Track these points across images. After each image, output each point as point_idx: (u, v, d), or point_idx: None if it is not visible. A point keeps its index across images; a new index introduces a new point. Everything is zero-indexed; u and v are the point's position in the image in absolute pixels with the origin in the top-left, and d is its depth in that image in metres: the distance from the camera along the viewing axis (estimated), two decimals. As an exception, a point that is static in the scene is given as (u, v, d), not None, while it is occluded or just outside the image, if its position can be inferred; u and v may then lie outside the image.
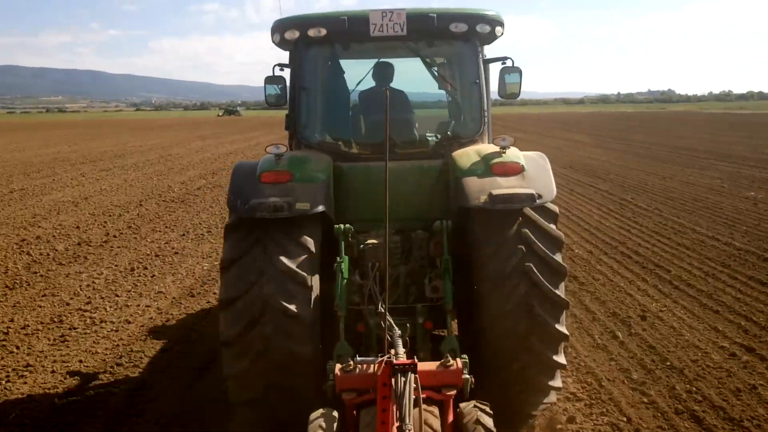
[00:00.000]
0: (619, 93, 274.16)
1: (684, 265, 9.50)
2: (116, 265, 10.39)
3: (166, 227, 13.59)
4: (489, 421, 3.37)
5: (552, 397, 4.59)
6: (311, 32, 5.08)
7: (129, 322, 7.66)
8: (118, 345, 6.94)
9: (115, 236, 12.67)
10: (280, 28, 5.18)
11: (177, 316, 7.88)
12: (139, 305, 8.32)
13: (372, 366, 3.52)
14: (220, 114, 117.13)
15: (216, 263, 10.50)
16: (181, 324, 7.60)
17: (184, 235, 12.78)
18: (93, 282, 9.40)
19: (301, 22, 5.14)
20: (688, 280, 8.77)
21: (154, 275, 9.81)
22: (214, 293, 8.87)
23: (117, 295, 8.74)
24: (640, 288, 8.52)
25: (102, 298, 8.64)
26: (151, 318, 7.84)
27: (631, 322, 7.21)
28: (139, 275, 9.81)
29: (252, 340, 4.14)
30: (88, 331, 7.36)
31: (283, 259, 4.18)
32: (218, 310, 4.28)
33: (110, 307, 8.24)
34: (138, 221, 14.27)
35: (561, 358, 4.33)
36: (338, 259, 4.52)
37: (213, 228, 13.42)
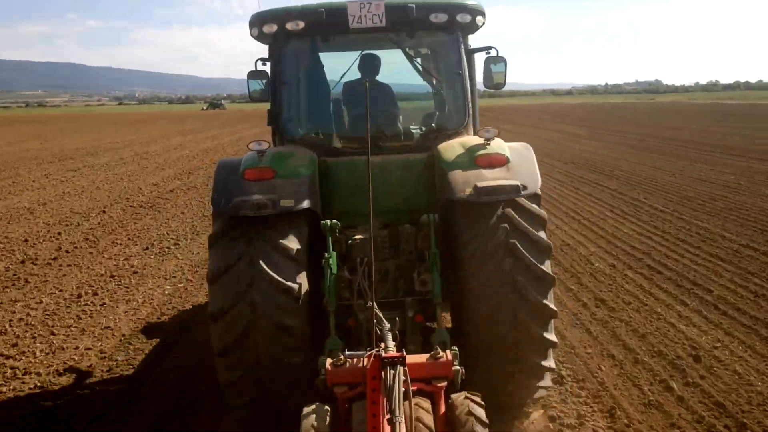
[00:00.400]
0: (606, 84, 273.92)
1: (725, 283, 8.14)
2: (61, 290, 8.85)
3: (129, 239, 12.04)
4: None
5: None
6: (289, 25, 5.01)
7: (59, 374, 6.14)
8: (36, 411, 5.43)
9: (67, 251, 11.10)
10: (258, 21, 5.09)
11: (121, 364, 6.37)
12: (77, 347, 6.80)
13: (362, 360, 3.52)
14: (205, 108, 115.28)
15: (180, 285, 9.03)
16: (125, 377, 6.09)
17: (147, 248, 11.24)
18: (28, 314, 7.86)
19: (278, 15, 5.05)
20: (737, 303, 7.41)
21: (104, 303, 8.29)
22: (173, 327, 7.38)
23: (53, 333, 7.22)
24: (682, 315, 7.14)
25: (34, 337, 7.12)
26: (89, 366, 6.33)
27: (684, 365, 5.82)
28: (86, 303, 8.28)
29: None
30: (4, 389, 5.84)
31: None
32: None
33: (41, 351, 6.72)
34: (98, 231, 12.70)
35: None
36: (326, 254, 4.50)
37: (181, 239, 11.90)
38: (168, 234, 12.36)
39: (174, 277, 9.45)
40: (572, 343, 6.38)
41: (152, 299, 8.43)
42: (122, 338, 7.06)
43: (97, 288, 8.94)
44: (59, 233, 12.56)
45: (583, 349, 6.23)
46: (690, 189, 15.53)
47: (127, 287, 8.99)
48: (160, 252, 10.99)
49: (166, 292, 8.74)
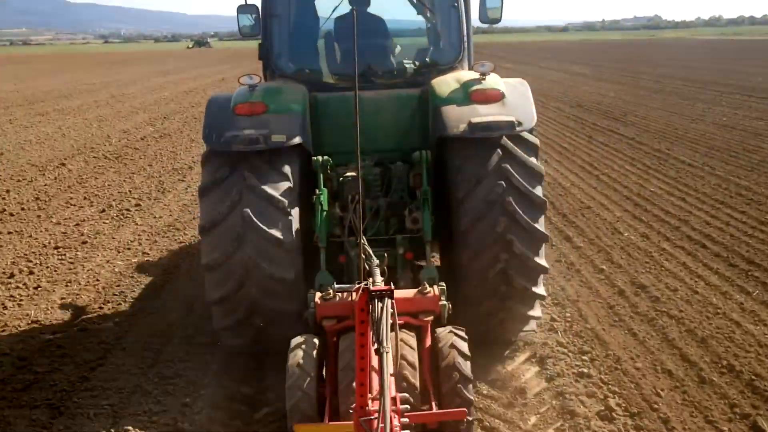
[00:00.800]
0: (603, 20, 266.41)
1: (788, 262, 6.77)
2: (-9, 268, 7.42)
3: (85, 198, 10.53)
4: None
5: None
6: None
7: (-42, 396, 4.77)
8: None
9: (11, 215, 9.61)
10: None
11: (44, 375, 4.99)
12: (-9, 352, 5.43)
13: (351, 293, 3.58)
14: (190, 46, 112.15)
15: (134, 260, 7.64)
16: (44, 399, 4.71)
17: (104, 210, 9.75)
18: (-58, 303, 6.45)
19: None
20: (810, 291, 6.06)
21: (40, 285, 6.87)
22: (117, 321, 5.98)
23: (-34, 331, 5.83)
24: (746, 308, 5.77)
25: (-60, 337, 5.73)
26: (3, 380, 4.96)
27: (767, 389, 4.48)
28: (18, 286, 6.86)
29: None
30: None
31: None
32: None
33: (-57, 358, 5.34)
34: (52, 189, 11.16)
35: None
36: (317, 191, 4.56)
37: (144, 199, 10.41)
38: (130, 192, 10.86)
39: (128, 248, 8.00)
40: (616, 352, 5.00)
41: (98, 280, 7.00)
42: (49, 339, 5.66)
43: (36, 264, 7.51)
44: (7, 191, 11.02)
45: (631, 363, 4.86)
46: (717, 137, 14.01)
47: (72, 262, 7.56)
48: (117, 215, 9.50)
49: (116, 269, 7.31)
